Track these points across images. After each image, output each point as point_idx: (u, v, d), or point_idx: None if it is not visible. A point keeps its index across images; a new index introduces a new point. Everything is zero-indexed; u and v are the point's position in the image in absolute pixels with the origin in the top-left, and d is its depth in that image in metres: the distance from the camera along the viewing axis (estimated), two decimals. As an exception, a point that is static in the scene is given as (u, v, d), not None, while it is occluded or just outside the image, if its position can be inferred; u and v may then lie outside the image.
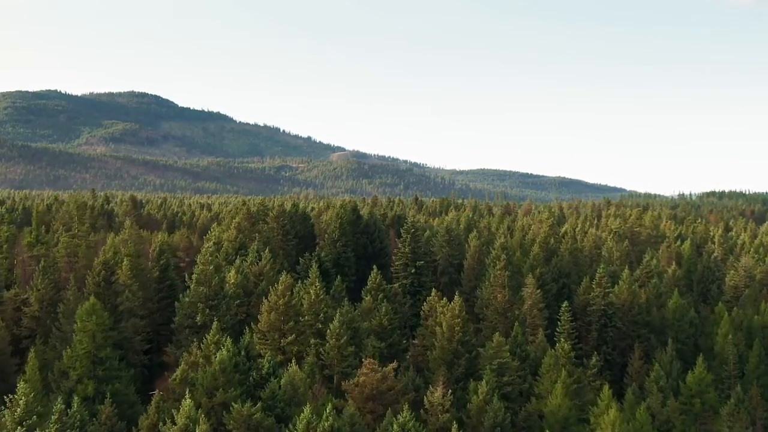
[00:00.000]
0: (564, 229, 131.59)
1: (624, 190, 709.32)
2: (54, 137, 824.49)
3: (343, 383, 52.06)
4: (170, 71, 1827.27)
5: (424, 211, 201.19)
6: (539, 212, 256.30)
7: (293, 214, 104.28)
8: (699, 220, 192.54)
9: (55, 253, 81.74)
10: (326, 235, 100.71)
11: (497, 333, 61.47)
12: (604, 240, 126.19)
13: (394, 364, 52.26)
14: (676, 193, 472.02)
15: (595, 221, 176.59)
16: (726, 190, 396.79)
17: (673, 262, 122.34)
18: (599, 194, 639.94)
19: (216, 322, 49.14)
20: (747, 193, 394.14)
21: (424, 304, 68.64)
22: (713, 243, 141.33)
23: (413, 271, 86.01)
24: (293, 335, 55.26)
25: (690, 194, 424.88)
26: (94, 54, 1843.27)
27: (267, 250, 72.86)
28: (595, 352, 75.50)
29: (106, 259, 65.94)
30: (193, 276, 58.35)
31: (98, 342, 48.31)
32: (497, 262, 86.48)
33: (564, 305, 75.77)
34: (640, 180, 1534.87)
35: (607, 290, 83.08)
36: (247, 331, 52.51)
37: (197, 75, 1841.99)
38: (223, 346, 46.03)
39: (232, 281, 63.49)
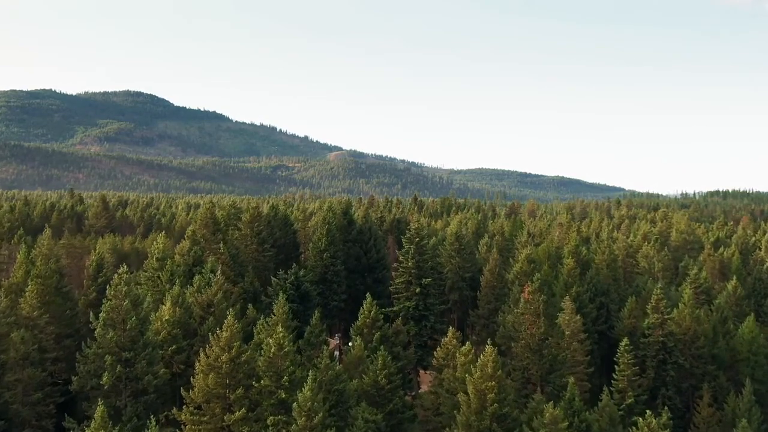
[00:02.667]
0: (584, 233, 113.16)
1: (623, 190, 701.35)
2: (48, 137, 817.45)
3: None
4: (166, 70, 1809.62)
5: (425, 212, 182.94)
6: (544, 212, 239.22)
7: (272, 218, 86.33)
8: (730, 223, 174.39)
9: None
10: (311, 245, 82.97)
11: (538, 394, 43.82)
12: (638, 247, 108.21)
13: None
14: (677, 192, 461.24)
15: (608, 222, 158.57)
16: (729, 190, 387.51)
17: (717, 274, 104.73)
18: (598, 194, 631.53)
19: (100, 407, 30.92)
20: (751, 192, 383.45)
21: (438, 349, 50.17)
22: (760, 249, 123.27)
23: (418, 290, 68.14)
24: (243, 409, 36.48)
25: (694, 193, 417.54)
26: (89, 53, 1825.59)
27: (219, 269, 54.64)
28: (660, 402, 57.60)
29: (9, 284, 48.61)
30: (100, 315, 40.11)
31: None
32: (524, 278, 68.83)
33: (623, 344, 57.83)
34: (639, 180, 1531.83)
35: (666, 316, 65.15)
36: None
37: (193, 74, 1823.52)
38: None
39: (166, 317, 45.55)
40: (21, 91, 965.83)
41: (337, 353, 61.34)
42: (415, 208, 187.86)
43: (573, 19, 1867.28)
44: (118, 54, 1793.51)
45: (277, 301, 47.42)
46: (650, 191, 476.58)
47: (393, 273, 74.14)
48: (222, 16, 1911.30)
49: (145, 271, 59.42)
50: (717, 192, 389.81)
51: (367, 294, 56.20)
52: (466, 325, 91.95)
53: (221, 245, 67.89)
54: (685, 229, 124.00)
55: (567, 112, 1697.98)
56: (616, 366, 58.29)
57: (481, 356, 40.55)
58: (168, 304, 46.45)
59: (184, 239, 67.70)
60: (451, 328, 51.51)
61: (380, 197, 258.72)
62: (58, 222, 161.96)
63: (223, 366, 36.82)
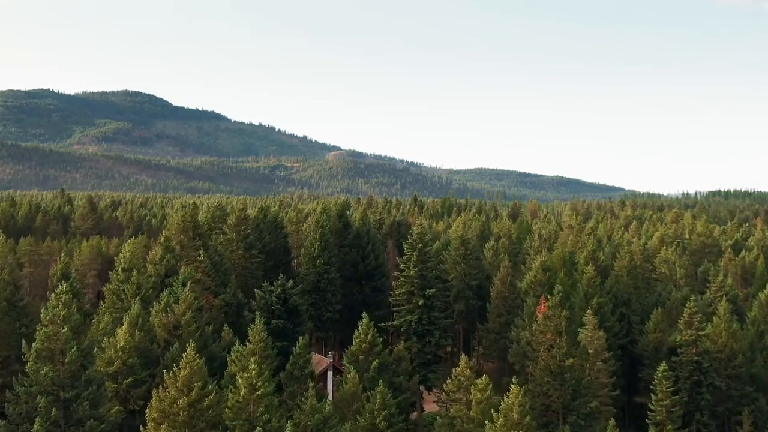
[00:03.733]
0: (593, 234, 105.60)
1: (623, 190, 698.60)
2: (46, 136, 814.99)
3: None
4: (164, 70, 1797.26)
5: (425, 213, 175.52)
6: (546, 213, 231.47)
7: (260, 221, 79.01)
8: (745, 224, 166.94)
9: None
10: (302, 250, 75.74)
11: (561, 429, 36.51)
12: (654, 251, 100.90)
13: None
14: (678, 192, 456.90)
15: (620, 224, 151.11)
16: (732, 190, 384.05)
17: (740, 280, 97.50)
18: (598, 193, 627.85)
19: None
20: (753, 192, 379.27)
21: (449, 381, 42.29)
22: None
23: (421, 302, 60.85)
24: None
25: (696, 193, 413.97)
26: (87, 53, 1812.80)
27: (189, 283, 46.87)
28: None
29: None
30: (33, 345, 32.17)
31: None
32: (538, 288, 61.69)
33: (662, 369, 50.53)
34: (638, 180, 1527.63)
35: (700, 332, 57.86)
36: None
37: (192, 74, 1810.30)
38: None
39: (121, 344, 37.98)
40: (19, 90, 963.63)
41: (330, 381, 53.98)
42: (416, 208, 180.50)
43: (573, 19, 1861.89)
44: (117, 54, 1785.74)
45: (252, 327, 39.86)
46: (650, 191, 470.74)
47: (393, 282, 66.85)
48: (221, 15, 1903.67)
49: (110, 283, 52.07)
50: (719, 192, 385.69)
51: (363, 314, 48.68)
52: (472, 338, 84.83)
53: (201, 252, 60.55)
54: (702, 231, 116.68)
55: (566, 112, 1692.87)
56: (652, 394, 51.00)
57: (505, 398, 33.27)
58: (125, 326, 39.10)
59: (157, 245, 60.46)
60: (463, 356, 43.84)
61: (379, 197, 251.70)
62: (43, 224, 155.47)
63: (180, 413, 29.51)
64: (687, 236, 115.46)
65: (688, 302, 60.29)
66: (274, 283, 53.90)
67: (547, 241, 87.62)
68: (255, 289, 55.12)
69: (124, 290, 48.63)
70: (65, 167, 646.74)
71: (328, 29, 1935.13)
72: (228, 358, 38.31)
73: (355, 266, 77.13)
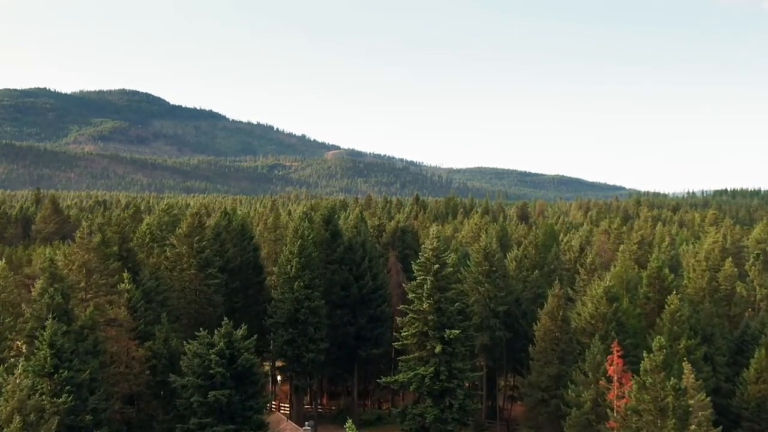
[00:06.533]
0: (643, 243, 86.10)
1: (624, 189, 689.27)
2: (41, 136, 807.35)
3: None
4: (162, 69, 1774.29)
5: (428, 215, 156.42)
6: (552, 213, 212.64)
7: (222, 229, 60.41)
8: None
9: None
10: (276, 268, 57.27)
11: None
12: (715, 264, 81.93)
13: None
14: (681, 191, 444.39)
15: (663, 229, 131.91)
16: (738, 188, 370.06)
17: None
18: (599, 192, 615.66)
19: None
20: (761, 191, 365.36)
21: None
22: None
23: (439, 349, 42.26)
24: None
25: (702, 192, 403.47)
26: (84, 52, 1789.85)
27: (21, 365, 27.84)
28: None
29: None
30: None
31: None
32: (600, 325, 43.29)
33: None
34: (639, 178, 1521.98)
35: None
36: None
37: (190, 73, 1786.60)
38: None
39: None
40: (15, 89, 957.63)
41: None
42: (418, 209, 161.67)
43: (573, 19, 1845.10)
44: (114, 53, 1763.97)
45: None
46: (650, 190, 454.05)
47: (398, 319, 48.33)
48: (220, 14, 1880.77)
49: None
50: (725, 191, 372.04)
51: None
52: (498, 378, 66.27)
53: (123, 277, 42.12)
54: (762, 236, 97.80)
55: (566, 111, 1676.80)
56: None
57: None
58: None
59: (71, 265, 41.95)
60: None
61: (378, 197, 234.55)
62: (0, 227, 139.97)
63: None
64: (747, 243, 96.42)
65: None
66: (217, 331, 35.43)
67: (591, 254, 68.85)
68: (184, 342, 36.61)
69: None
70: (60, 166, 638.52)
71: (327, 28, 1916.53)
72: None
73: (346, 289, 58.53)
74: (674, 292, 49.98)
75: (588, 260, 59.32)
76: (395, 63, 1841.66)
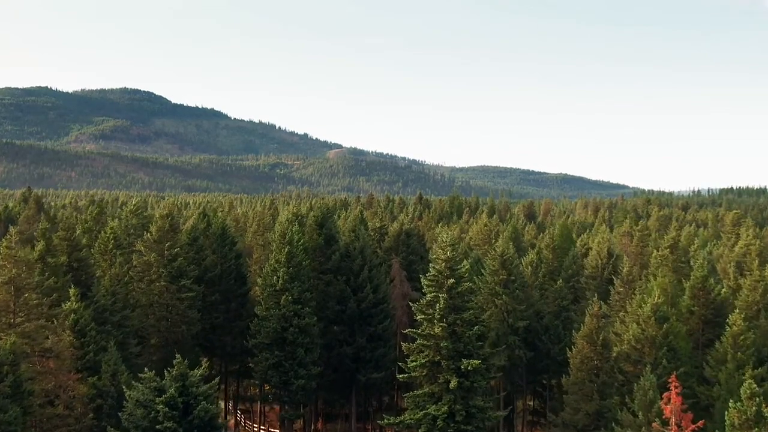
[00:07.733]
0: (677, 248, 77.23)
1: (627, 187, 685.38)
2: (42, 135, 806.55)
3: None
4: (164, 68, 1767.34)
5: (433, 214, 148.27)
6: (558, 212, 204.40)
7: (200, 233, 52.57)
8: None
9: None
10: (260, 279, 49.38)
11: None
12: (748, 269, 73.70)
13: None
14: (686, 189, 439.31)
15: (690, 230, 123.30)
16: (744, 187, 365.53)
17: None
18: (602, 191, 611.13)
19: None
20: (766, 189, 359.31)
21: None
22: None
23: (454, 383, 34.25)
24: None
25: (708, 191, 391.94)
26: (86, 51, 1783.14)
27: None
28: None
29: None
30: None
31: None
32: (650, 351, 35.33)
33: None
34: (642, 177, 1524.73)
35: None
36: None
37: (191, 72, 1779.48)
38: None
39: None
40: (16, 88, 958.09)
41: None
42: (422, 208, 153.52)
43: (574, 19, 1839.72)
44: (115, 51, 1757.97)
45: None
46: (654, 189, 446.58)
47: (403, 344, 40.30)
48: (221, 13, 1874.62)
49: None
50: (731, 189, 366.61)
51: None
52: (514, 399, 58.30)
53: (70, 294, 34.43)
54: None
55: (569, 111, 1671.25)
56: None
57: None
58: None
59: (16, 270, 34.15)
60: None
61: (380, 195, 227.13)
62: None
63: None
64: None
65: None
66: (169, 372, 27.56)
67: (627, 263, 60.65)
68: (124, 387, 28.71)
69: None
70: (60, 165, 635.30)
71: (329, 27, 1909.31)
72: None
73: (342, 303, 50.61)
74: (734, 309, 41.86)
75: (624, 270, 51.17)
76: (397, 61, 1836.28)
